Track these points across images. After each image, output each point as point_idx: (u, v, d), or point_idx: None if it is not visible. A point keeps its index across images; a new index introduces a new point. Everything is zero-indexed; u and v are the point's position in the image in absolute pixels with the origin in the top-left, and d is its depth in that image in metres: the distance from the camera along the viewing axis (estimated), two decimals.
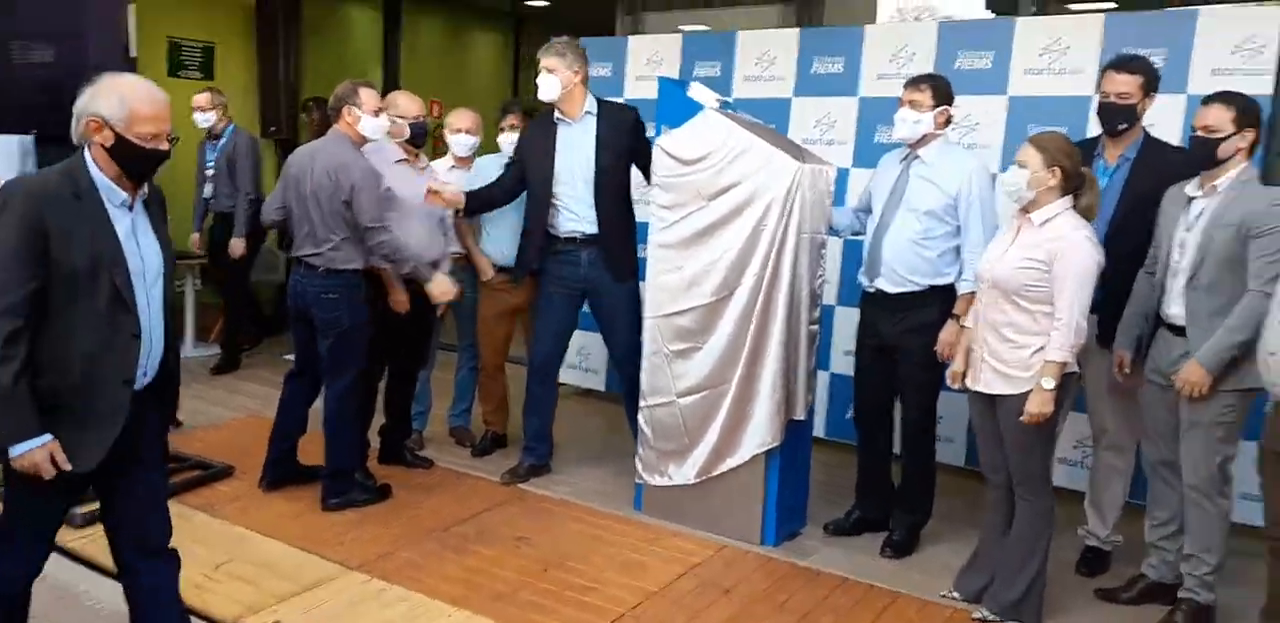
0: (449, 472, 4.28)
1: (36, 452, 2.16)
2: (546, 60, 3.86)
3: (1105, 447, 3.41)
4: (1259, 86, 3.51)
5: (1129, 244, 3.13)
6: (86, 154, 2.21)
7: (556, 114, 3.96)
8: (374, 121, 3.71)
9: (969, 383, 3.04)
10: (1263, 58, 3.64)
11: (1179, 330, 2.96)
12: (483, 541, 3.56)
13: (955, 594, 3.20)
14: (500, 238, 4.29)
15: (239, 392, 5.44)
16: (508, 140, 4.30)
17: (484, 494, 4.02)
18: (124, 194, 2.24)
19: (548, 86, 3.86)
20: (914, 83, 3.40)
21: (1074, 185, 2.87)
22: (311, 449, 4.01)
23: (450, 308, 4.30)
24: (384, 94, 7.02)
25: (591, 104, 3.95)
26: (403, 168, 3.93)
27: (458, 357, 4.69)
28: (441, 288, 3.85)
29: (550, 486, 4.15)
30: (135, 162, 2.22)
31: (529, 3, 9.24)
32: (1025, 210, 2.91)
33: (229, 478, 4.06)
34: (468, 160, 4.43)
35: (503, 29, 9.83)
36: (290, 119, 7.01)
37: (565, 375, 4.93)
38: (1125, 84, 3.20)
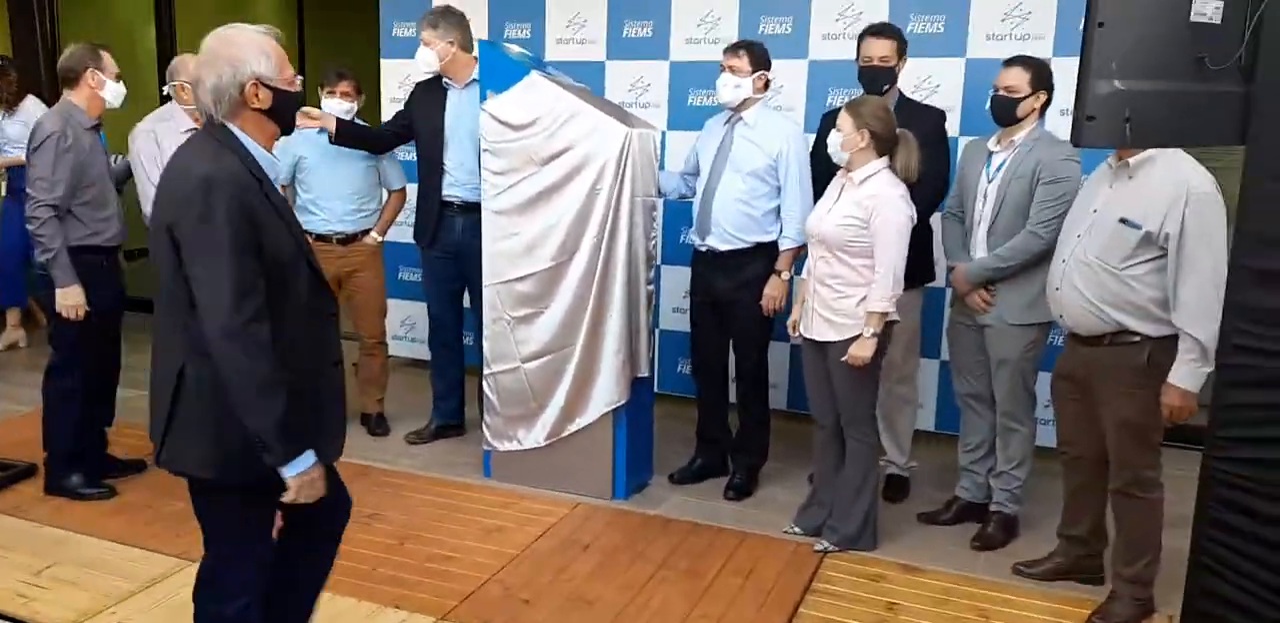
0: None
1: (314, 468, 1.96)
2: (422, 33, 3.88)
3: (896, 381, 3.70)
4: (1030, 50, 3.85)
5: None
6: (234, 128, 1.95)
7: (444, 80, 3.97)
8: (117, 87, 3.50)
9: (802, 331, 3.25)
10: (1029, 24, 4.02)
11: None
12: None
13: (796, 529, 3.44)
14: (327, 207, 4.15)
15: (23, 383, 4.99)
16: (339, 107, 4.08)
17: None
18: (277, 164, 2.04)
19: (425, 59, 3.92)
20: (733, 49, 3.53)
21: (887, 147, 3.09)
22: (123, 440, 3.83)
23: None
24: (160, 57, 6.62)
25: (478, 71, 3.89)
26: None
27: None
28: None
29: (392, 460, 4.10)
30: (291, 111, 2.03)
31: None
32: (847, 170, 3.12)
33: (32, 477, 3.77)
34: None
35: None
36: (53, 88, 6.39)
37: (394, 347, 4.84)
38: (884, 48, 3.49)
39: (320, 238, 4.14)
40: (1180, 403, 2.64)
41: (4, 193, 5.50)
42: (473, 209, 3.93)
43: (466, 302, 4.23)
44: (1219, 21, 1.89)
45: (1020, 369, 3.27)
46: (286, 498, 1.96)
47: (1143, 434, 2.76)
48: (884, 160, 3.09)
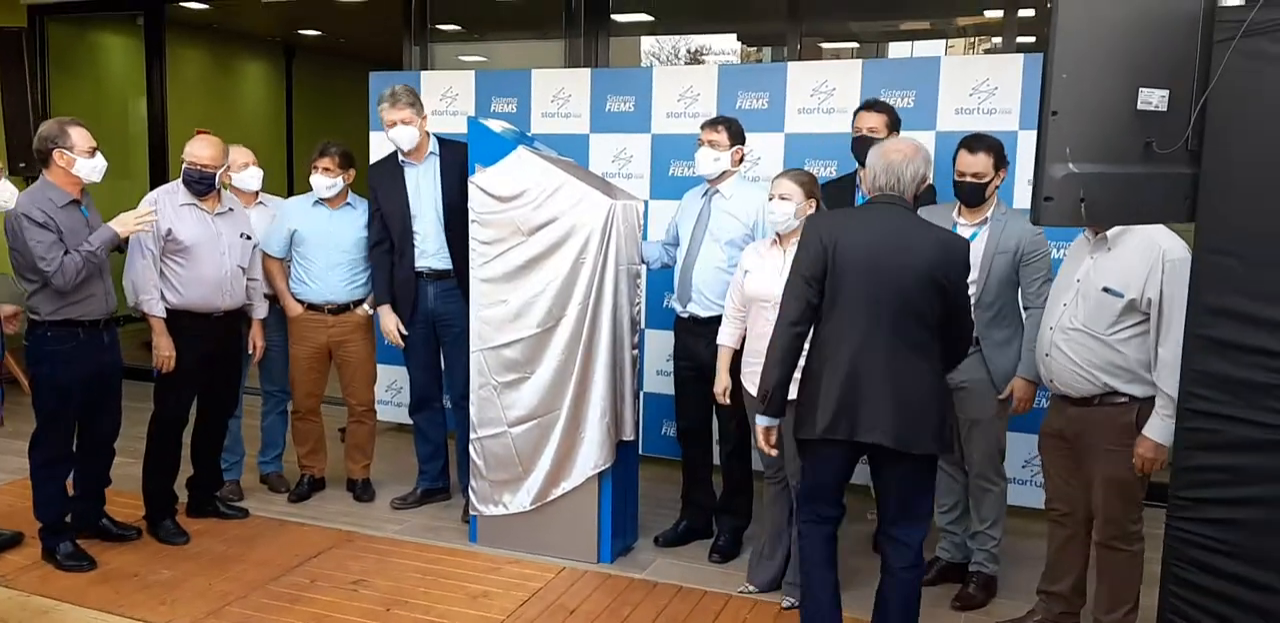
0: (268, 521, 4.14)
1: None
2: (398, 113, 3.95)
3: None
4: (997, 124, 4.06)
5: None
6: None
7: (401, 157, 4.07)
8: (90, 163, 3.48)
9: (754, 392, 3.29)
10: (995, 99, 4.22)
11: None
12: (317, 588, 3.49)
13: (751, 588, 3.50)
14: (320, 279, 4.22)
15: (7, 450, 4.98)
16: (323, 183, 4.16)
17: (309, 541, 3.93)
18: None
19: (407, 138, 3.99)
20: (711, 124, 3.70)
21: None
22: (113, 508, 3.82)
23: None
24: (150, 126, 6.77)
25: (434, 145, 4.09)
26: (190, 210, 3.79)
27: (262, 401, 4.54)
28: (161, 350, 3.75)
29: (378, 525, 4.12)
30: None
31: (301, 31, 9.01)
32: (785, 236, 3.29)
33: (19, 546, 3.75)
34: (251, 197, 4.34)
35: (274, 58, 9.53)
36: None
37: (380, 412, 4.88)
38: (874, 120, 3.69)
39: (312, 307, 4.22)
40: (1152, 455, 2.77)
41: None
42: (442, 276, 4.06)
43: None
44: (1165, 109, 2.05)
45: (994, 429, 3.39)
46: None
47: (1128, 490, 2.87)
48: None
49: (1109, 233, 2.87)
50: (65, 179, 3.47)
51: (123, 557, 3.71)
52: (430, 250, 4.07)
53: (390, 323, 4.12)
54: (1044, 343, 3.00)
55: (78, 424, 3.67)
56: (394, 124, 3.97)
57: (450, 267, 4.06)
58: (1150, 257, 2.75)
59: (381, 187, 4.11)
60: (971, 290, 3.30)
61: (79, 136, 3.47)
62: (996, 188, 3.35)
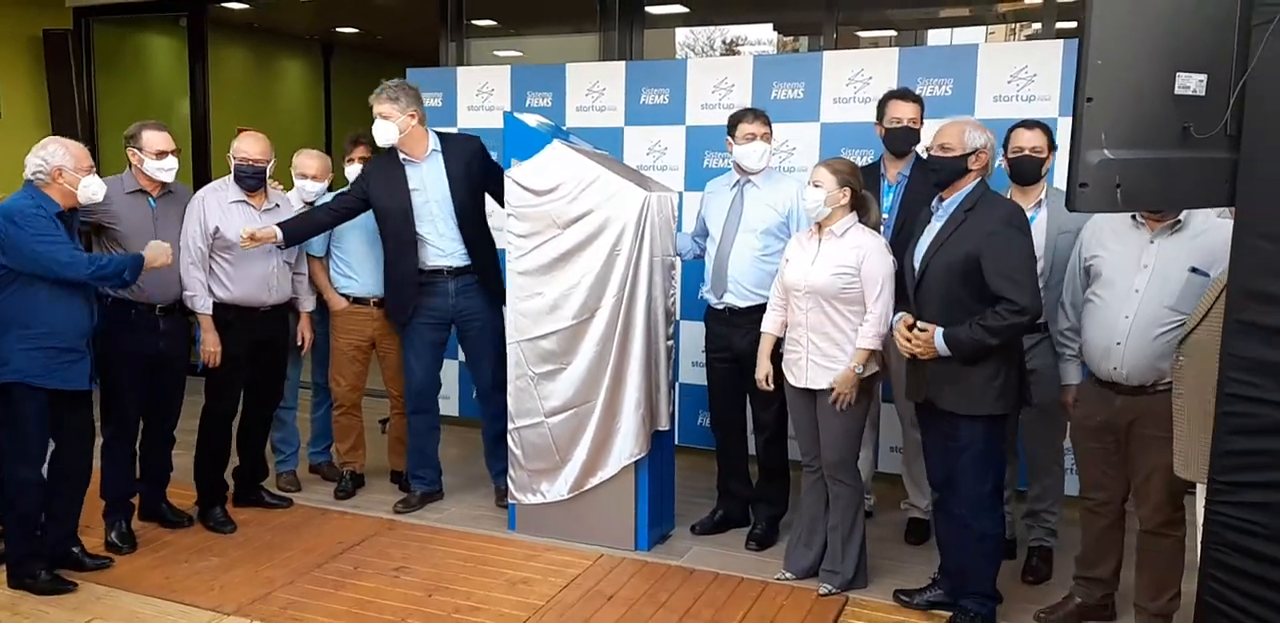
0: (312, 510, 4.23)
1: None
2: (379, 107, 3.87)
3: (911, 424, 3.78)
4: (1036, 111, 4.02)
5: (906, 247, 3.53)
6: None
7: (401, 155, 3.99)
8: (156, 164, 3.65)
9: (792, 381, 3.36)
10: (1034, 86, 4.19)
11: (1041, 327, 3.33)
12: (361, 574, 3.57)
13: (788, 575, 3.52)
14: (361, 272, 4.27)
15: None
16: (357, 172, 4.24)
17: (352, 529, 4.01)
18: None
19: (385, 132, 3.89)
20: (756, 117, 3.68)
21: (861, 202, 3.30)
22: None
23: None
24: (193, 124, 6.89)
25: (435, 141, 4.02)
26: (239, 207, 3.88)
27: (313, 394, 4.63)
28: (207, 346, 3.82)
29: (419, 515, 4.18)
30: None
31: (339, 29, 9.12)
32: (821, 225, 3.29)
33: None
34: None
35: (312, 56, 9.65)
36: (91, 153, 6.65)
37: None
38: (912, 110, 3.68)
39: (357, 301, 4.28)
40: None
41: None
42: (463, 272, 4.04)
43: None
44: (1203, 94, 2.03)
45: (1057, 422, 3.47)
46: None
47: (1177, 477, 2.84)
48: (855, 215, 3.29)
49: (1182, 215, 2.84)
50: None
51: (173, 545, 3.82)
52: (446, 250, 4.00)
53: (252, 231, 3.76)
54: (1115, 332, 2.91)
55: (139, 409, 3.78)
56: (375, 118, 3.88)
57: (469, 262, 4.03)
58: (1226, 233, 2.69)
59: (377, 180, 3.99)
60: (1040, 269, 3.26)
61: (150, 139, 3.64)
62: (1049, 169, 3.34)
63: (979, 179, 3.05)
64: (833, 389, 3.24)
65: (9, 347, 3.26)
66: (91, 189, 3.34)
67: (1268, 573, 1.95)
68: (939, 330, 2.97)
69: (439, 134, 4.09)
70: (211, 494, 4.04)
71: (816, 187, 3.24)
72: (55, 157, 3.29)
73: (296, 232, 3.93)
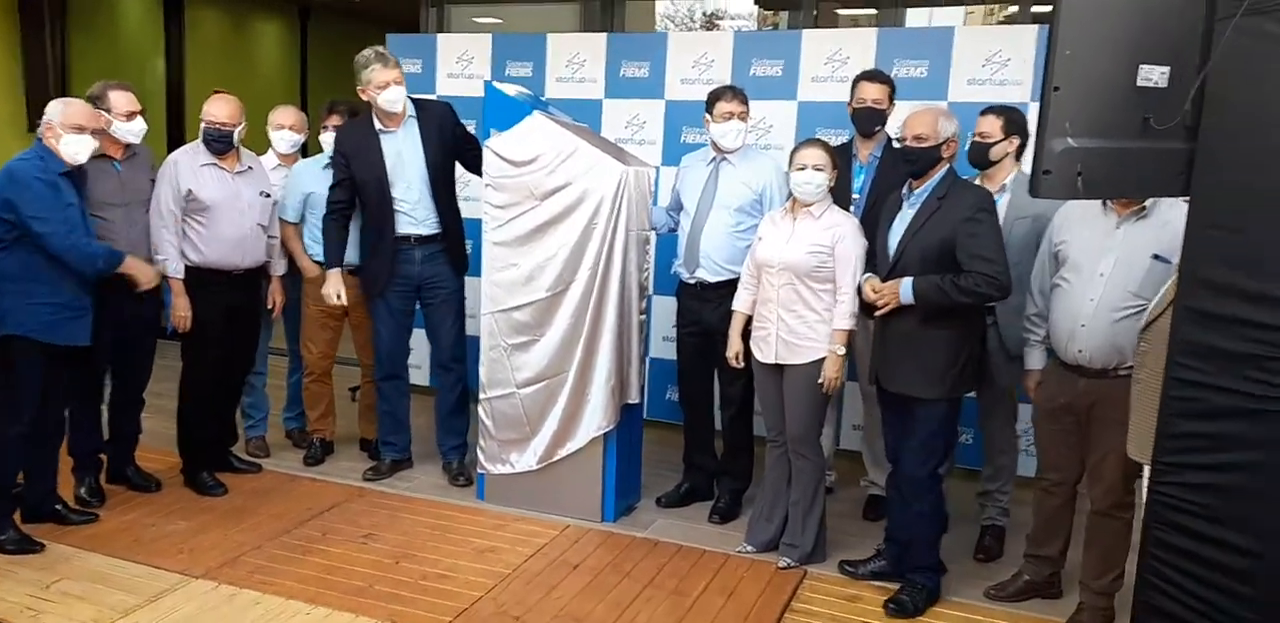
0: (281, 476, 4.26)
1: None
2: (392, 72, 3.85)
3: (873, 402, 3.83)
4: (1008, 95, 4.07)
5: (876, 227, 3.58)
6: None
7: (377, 124, 3.97)
8: (126, 126, 3.61)
9: (760, 357, 3.42)
10: (1007, 70, 4.23)
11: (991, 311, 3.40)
12: (329, 540, 3.61)
13: (749, 548, 3.60)
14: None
15: None
16: (331, 140, 4.23)
17: (322, 495, 4.04)
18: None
19: (399, 97, 3.89)
20: (735, 95, 3.70)
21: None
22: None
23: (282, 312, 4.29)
24: (168, 86, 6.81)
25: (410, 107, 4.01)
26: (211, 169, 3.86)
27: (289, 360, 4.65)
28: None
29: (388, 483, 4.22)
30: None
31: None
32: (803, 205, 3.33)
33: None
34: (291, 158, 4.39)
35: (289, 19, 9.53)
36: None
37: None
38: (878, 91, 3.71)
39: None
40: None
41: None
42: (430, 241, 4.04)
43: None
44: (1165, 86, 2.08)
45: (1009, 406, 3.58)
46: None
47: (1130, 460, 2.92)
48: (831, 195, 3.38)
49: (1147, 203, 2.89)
50: (104, 137, 3.50)
51: (140, 509, 3.84)
52: (420, 217, 4.00)
53: (334, 287, 4.02)
54: (1080, 315, 2.97)
55: (110, 370, 3.81)
56: (386, 85, 3.85)
57: (439, 231, 4.03)
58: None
59: (353, 155, 3.98)
60: None
61: (118, 100, 3.59)
62: (1011, 156, 3.38)
63: (948, 167, 3.12)
64: (800, 365, 3.30)
65: (11, 301, 3.27)
66: (72, 148, 3.33)
67: (1205, 551, 2.02)
68: (907, 279, 3.04)
69: (414, 100, 4.07)
70: (197, 459, 4.05)
71: (818, 170, 3.27)
72: (51, 110, 3.32)
73: (340, 253, 4.07)
